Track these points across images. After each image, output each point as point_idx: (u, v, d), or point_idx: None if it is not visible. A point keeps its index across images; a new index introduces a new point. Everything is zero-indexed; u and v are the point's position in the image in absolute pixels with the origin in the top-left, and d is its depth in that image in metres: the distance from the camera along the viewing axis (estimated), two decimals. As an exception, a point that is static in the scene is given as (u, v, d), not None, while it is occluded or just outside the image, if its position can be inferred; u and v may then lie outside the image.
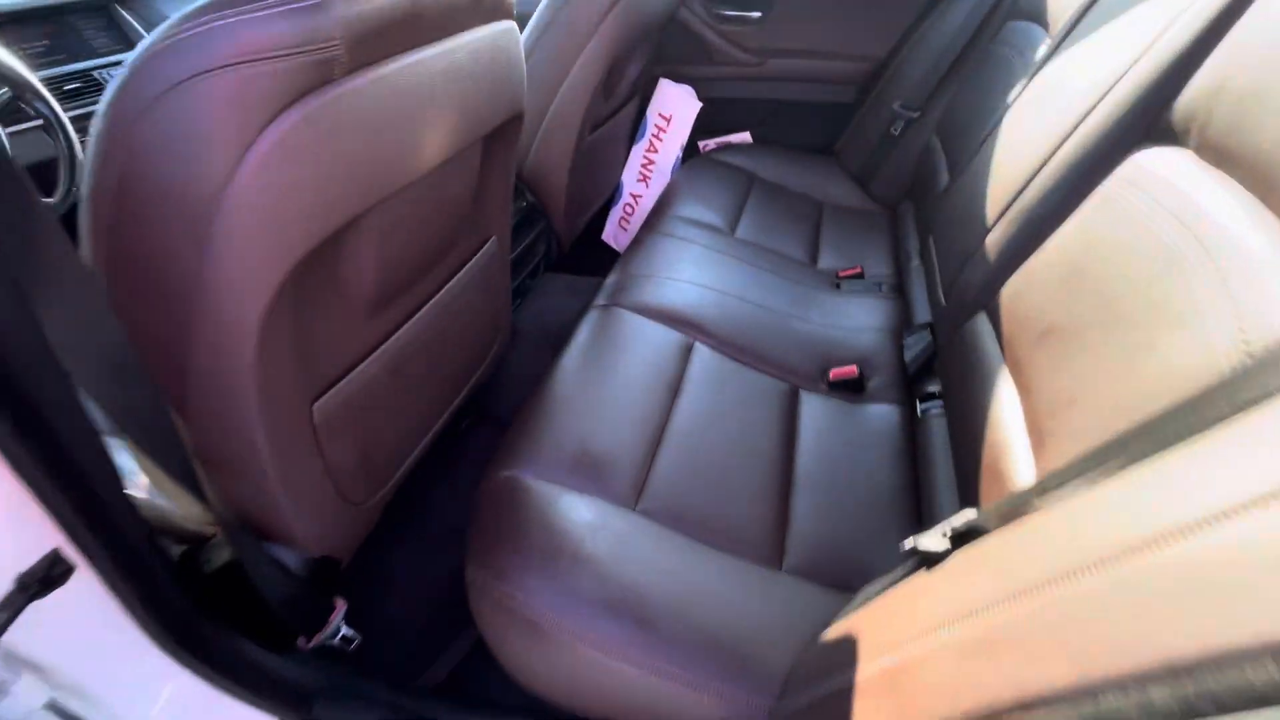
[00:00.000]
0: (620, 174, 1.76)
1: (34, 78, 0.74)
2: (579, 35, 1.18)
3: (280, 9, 0.45)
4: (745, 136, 1.78)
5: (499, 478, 0.73)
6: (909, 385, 0.99)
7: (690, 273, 1.16)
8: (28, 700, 0.48)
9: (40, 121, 0.76)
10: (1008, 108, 1.01)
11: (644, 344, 0.99)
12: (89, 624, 0.48)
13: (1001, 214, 0.84)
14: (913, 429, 0.92)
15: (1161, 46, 0.67)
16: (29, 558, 0.41)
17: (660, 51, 1.71)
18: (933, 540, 0.47)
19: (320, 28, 0.47)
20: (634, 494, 0.75)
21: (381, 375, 0.75)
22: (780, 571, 0.70)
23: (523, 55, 0.81)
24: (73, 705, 0.52)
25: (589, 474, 0.74)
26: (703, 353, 1.00)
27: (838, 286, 1.24)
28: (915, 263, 1.25)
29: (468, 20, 0.69)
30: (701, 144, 1.83)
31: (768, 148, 1.70)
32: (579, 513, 0.69)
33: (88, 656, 0.51)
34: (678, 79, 1.71)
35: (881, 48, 1.61)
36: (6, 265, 0.33)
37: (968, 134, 1.18)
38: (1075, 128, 0.76)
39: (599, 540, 0.66)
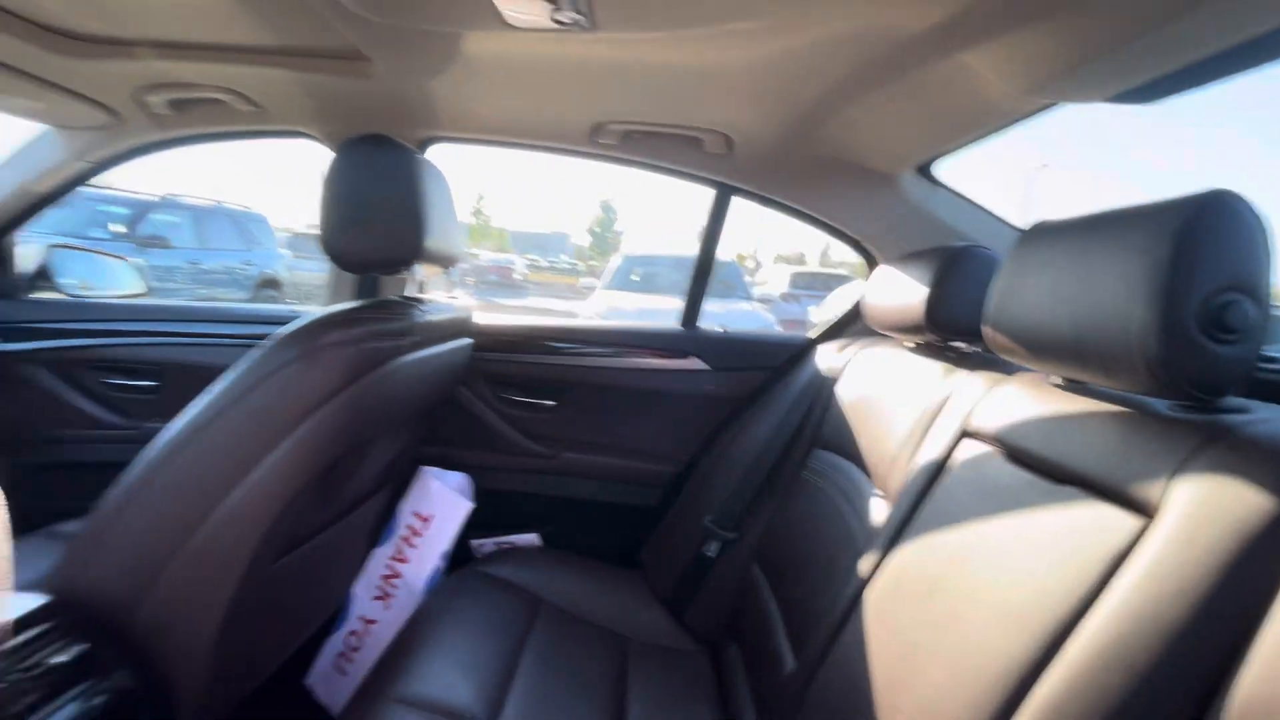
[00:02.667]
0: (348, 584, 1.24)
1: None
2: (275, 425, 0.80)
3: None
4: (533, 539, 1.42)
5: None
6: None
7: None
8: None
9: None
10: (861, 586, 0.76)
11: None
12: None
13: None
14: None
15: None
16: None
17: (431, 432, 1.41)
18: None
19: None
20: None
21: None
22: None
23: None
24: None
25: None
26: None
27: None
28: None
29: None
30: (476, 543, 1.43)
31: (559, 556, 1.34)
32: None
33: None
34: (451, 464, 1.38)
35: (684, 452, 1.46)
36: None
37: (804, 589, 0.92)
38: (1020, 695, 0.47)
39: None
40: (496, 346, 1.45)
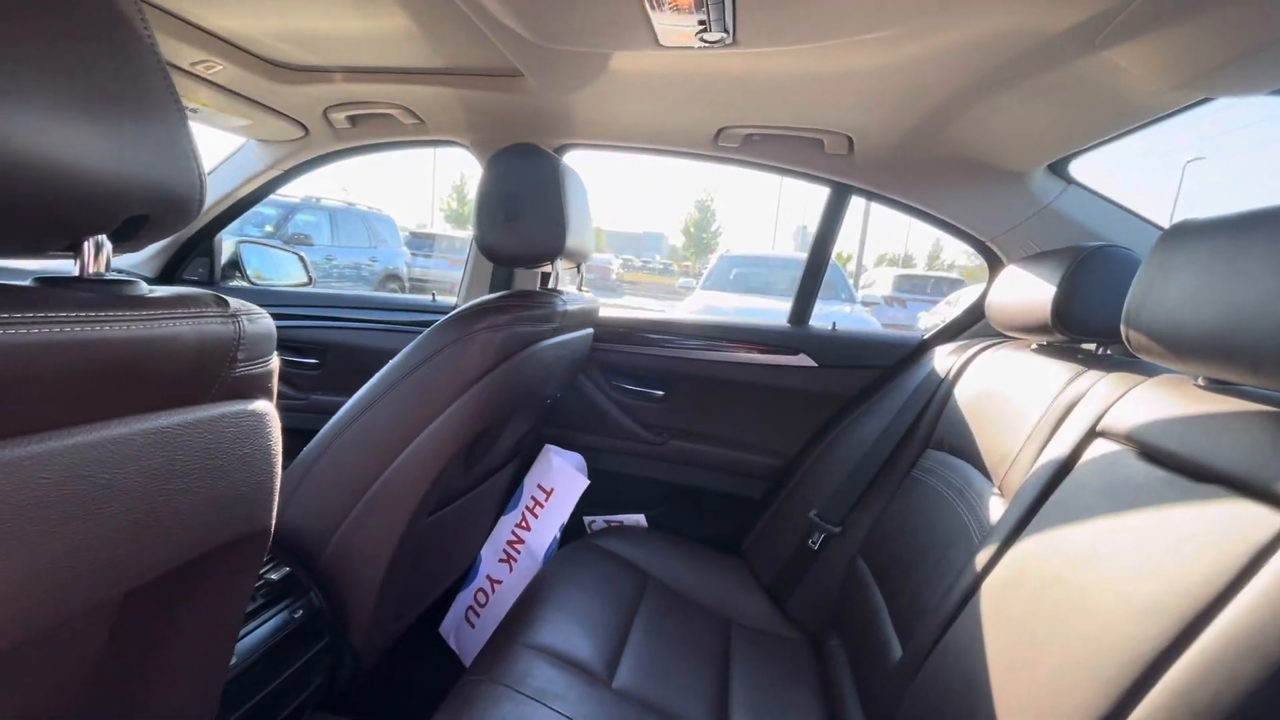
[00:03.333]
0: (479, 546, 1.38)
1: None
2: (437, 398, 0.93)
3: None
4: (640, 519, 1.50)
5: None
6: None
7: None
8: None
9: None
10: (977, 579, 0.77)
11: None
12: None
13: None
14: None
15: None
16: None
17: (553, 413, 1.53)
18: None
19: None
20: None
21: None
22: None
23: (274, 445, 0.49)
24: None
25: None
26: None
27: None
28: None
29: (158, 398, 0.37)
30: (588, 520, 1.54)
31: (665, 538, 1.42)
32: None
33: None
34: (568, 445, 1.49)
35: (790, 447, 1.49)
36: None
37: (912, 583, 0.93)
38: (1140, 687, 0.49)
39: None
40: (612, 337, 1.55)
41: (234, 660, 0.78)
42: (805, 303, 1.54)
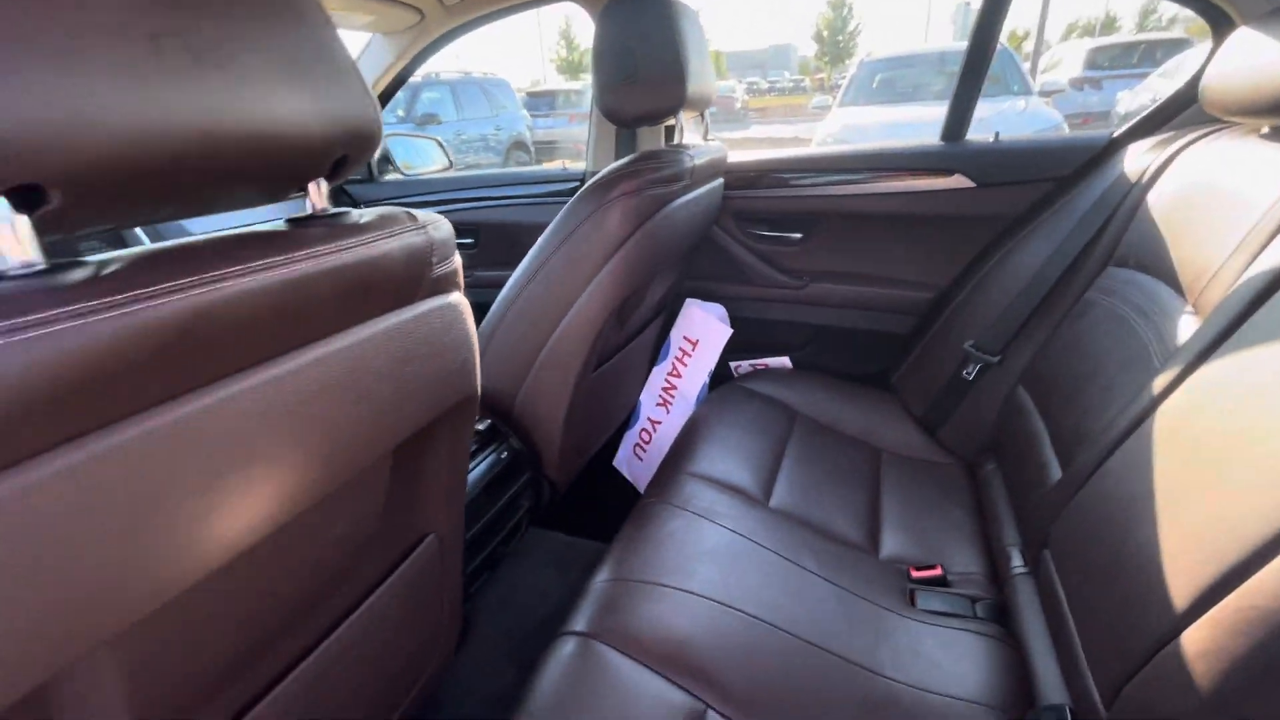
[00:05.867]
0: (638, 394, 1.53)
1: None
2: (585, 268, 1.00)
3: None
4: (784, 361, 1.56)
5: None
6: None
7: (707, 578, 0.85)
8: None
9: None
10: (1154, 401, 0.73)
11: (630, 709, 0.67)
12: None
13: (1204, 597, 0.53)
14: None
15: None
16: None
17: (690, 268, 1.57)
18: None
19: None
20: None
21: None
22: None
23: (470, 328, 0.59)
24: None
25: None
26: None
27: (911, 599, 0.90)
28: (1019, 568, 0.92)
29: (377, 306, 0.48)
30: (734, 364, 1.62)
31: (811, 377, 1.47)
32: None
33: None
34: (708, 297, 1.54)
35: (942, 277, 1.41)
36: None
37: (1078, 408, 0.90)
38: None
39: None
40: (742, 184, 1.51)
41: (467, 490, 1.00)
42: (961, 114, 1.35)
